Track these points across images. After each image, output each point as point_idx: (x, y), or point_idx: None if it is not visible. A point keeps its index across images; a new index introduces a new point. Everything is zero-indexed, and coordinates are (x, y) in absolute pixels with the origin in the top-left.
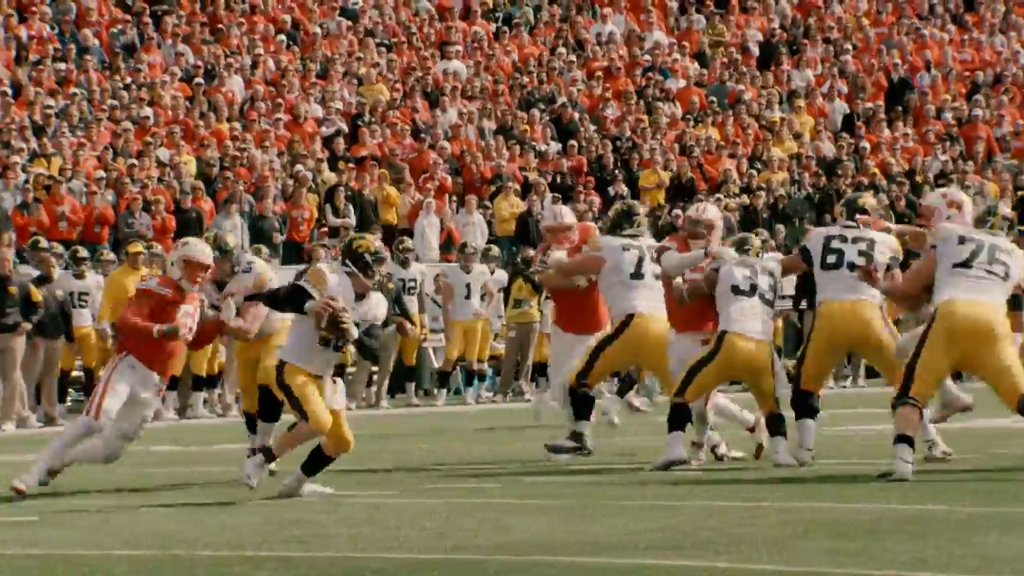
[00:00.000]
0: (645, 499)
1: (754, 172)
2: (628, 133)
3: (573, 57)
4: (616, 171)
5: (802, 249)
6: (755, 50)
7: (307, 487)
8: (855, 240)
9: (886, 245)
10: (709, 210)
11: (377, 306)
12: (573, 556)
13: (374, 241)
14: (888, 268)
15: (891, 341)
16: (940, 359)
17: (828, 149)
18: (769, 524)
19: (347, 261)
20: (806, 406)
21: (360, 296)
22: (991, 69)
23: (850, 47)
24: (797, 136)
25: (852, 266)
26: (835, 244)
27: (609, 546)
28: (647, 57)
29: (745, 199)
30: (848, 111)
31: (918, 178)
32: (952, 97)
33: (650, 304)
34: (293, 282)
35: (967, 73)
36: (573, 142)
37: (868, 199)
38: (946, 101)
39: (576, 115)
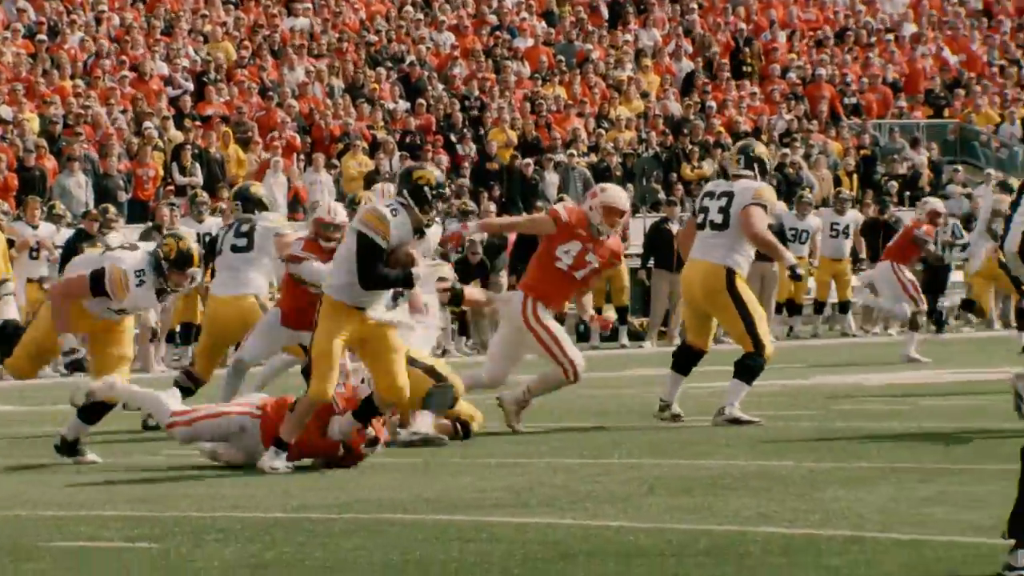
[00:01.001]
0: (492, 457)
1: (602, 131)
2: (476, 92)
3: (421, 15)
4: (464, 130)
5: (693, 211)
6: (603, 10)
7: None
8: (719, 196)
9: (750, 193)
10: (340, 212)
11: (434, 239)
12: (419, 514)
13: (435, 173)
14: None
15: (731, 306)
16: None
17: (675, 108)
18: (615, 481)
19: (404, 192)
20: (684, 362)
21: (419, 232)
22: (834, 27)
23: (696, 6)
24: (644, 95)
25: (712, 224)
26: (705, 202)
27: (455, 504)
28: (495, 16)
29: (593, 158)
30: (694, 70)
31: (763, 137)
32: (797, 56)
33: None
34: (358, 230)
35: (811, 32)
36: (421, 100)
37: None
38: (791, 60)
39: (425, 73)
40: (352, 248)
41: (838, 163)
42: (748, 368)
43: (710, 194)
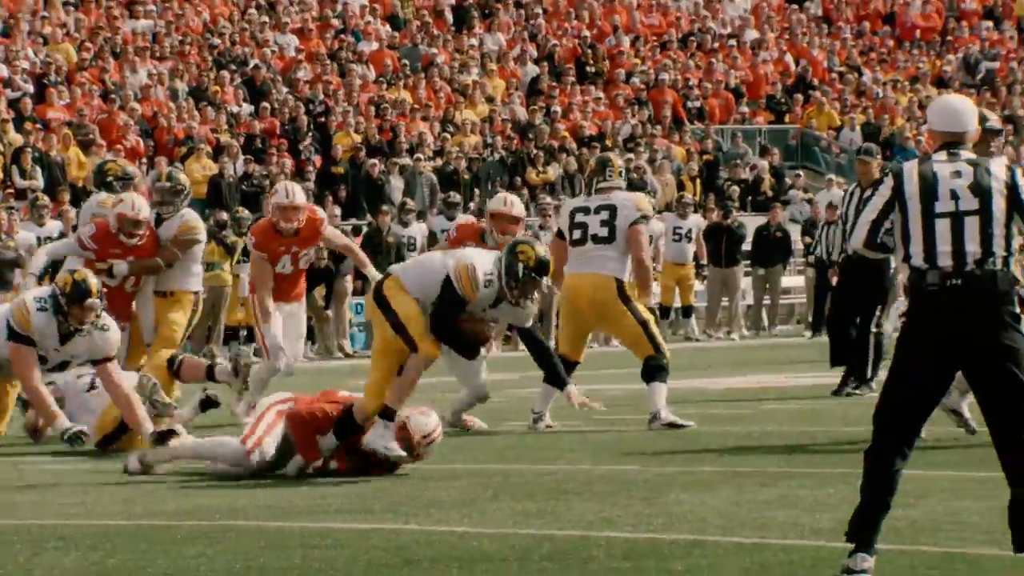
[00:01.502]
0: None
1: (447, 135)
2: (321, 95)
3: (266, 18)
4: (309, 133)
5: (559, 232)
6: (448, 14)
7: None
8: (598, 210)
9: (632, 205)
10: (143, 208)
11: None
12: (261, 521)
13: (540, 253)
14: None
15: (626, 313)
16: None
17: (520, 113)
18: (460, 487)
19: (502, 260)
20: (558, 374)
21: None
22: (677, 32)
23: (540, 11)
24: (489, 100)
25: (596, 238)
26: (579, 218)
27: (298, 510)
28: (339, 20)
29: (438, 162)
30: (539, 74)
31: (608, 142)
32: (641, 61)
33: None
34: (448, 276)
35: (655, 37)
36: (266, 104)
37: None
38: (635, 65)
39: (269, 76)
40: (435, 278)
41: (681, 168)
42: (659, 367)
43: (583, 210)
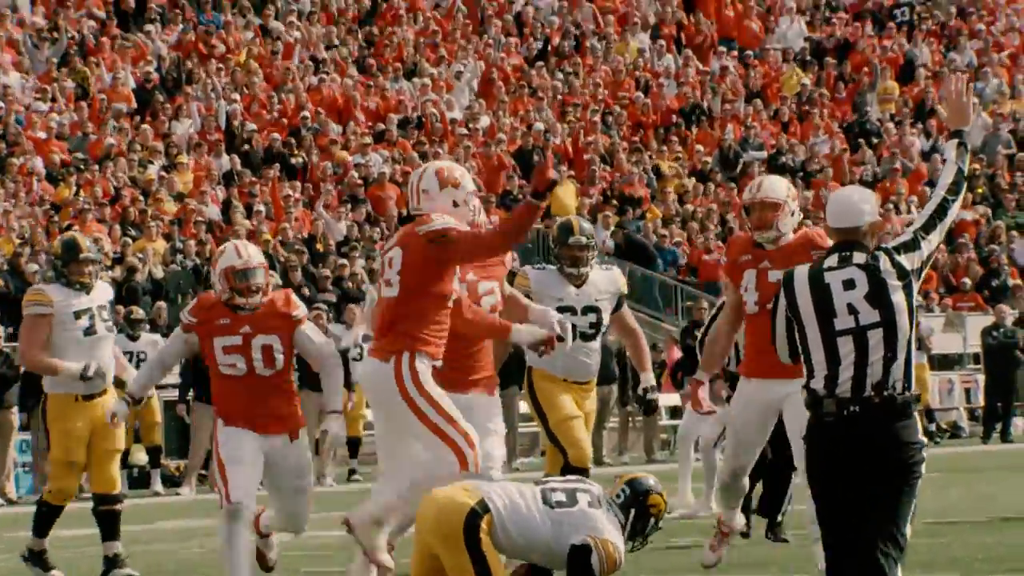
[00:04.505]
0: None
1: (128, 240)
2: None
3: None
4: None
5: None
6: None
7: None
8: None
9: None
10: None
11: None
12: None
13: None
14: None
15: None
16: None
17: (213, 212)
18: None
19: (632, 506)
20: None
21: None
22: (395, 114)
23: (238, 96)
24: (179, 197)
25: None
26: None
27: None
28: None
29: (118, 272)
30: (232, 168)
31: (318, 246)
32: (359, 150)
33: None
34: (584, 544)
35: (370, 124)
36: None
37: None
38: (345, 157)
39: None
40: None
41: None
42: None
43: None
